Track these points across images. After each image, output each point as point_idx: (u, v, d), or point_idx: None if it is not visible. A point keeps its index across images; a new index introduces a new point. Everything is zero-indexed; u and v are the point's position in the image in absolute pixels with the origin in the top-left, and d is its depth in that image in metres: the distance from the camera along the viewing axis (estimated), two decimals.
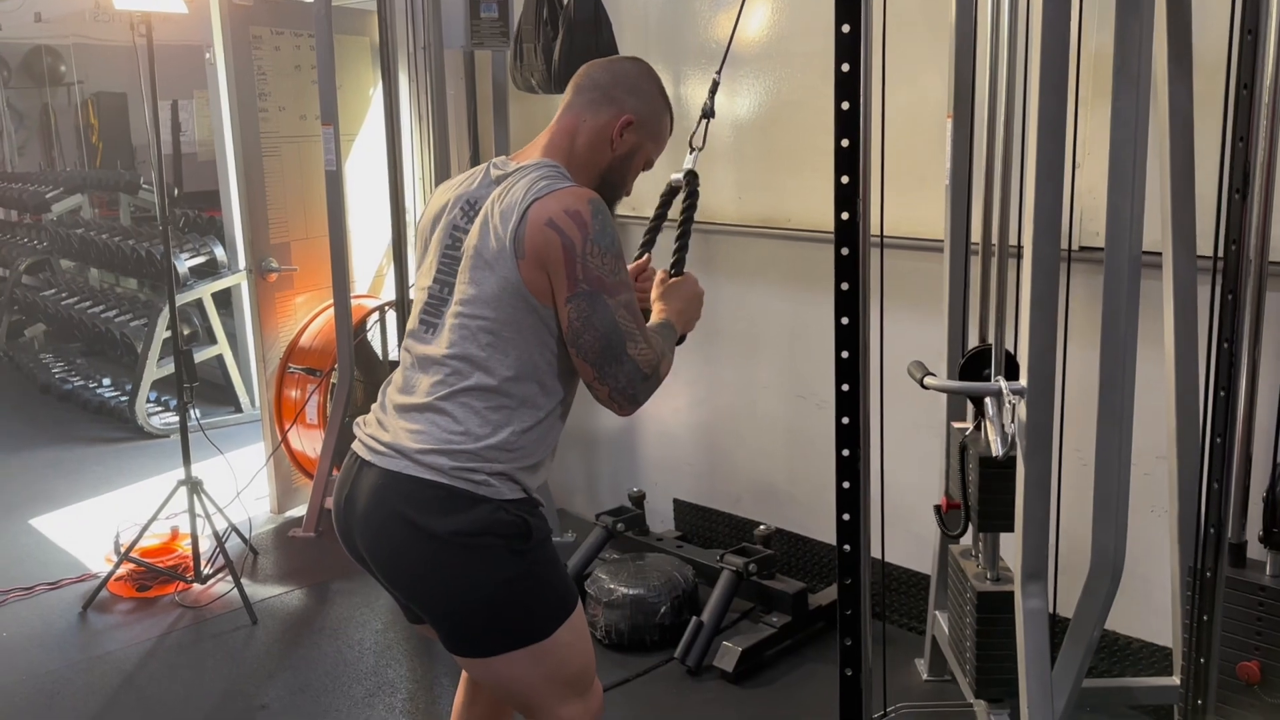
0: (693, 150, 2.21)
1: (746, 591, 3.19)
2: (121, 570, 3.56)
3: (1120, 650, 2.75)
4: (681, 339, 1.99)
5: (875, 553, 3.22)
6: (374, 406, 1.83)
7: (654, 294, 1.99)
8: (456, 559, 1.68)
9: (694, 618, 3.04)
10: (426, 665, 3.08)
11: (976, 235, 2.55)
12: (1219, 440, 1.67)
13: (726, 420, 3.65)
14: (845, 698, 2.47)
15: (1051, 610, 2.36)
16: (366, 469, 1.73)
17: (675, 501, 3.86)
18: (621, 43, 3.26)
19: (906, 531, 3.09)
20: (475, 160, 3.96)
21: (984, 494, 2.28)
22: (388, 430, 1.74)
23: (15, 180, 8.10)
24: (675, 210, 2.23)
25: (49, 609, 3.48)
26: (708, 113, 2.25)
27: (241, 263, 5.16)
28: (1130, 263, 2.03)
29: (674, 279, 2.02)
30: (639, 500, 3.59)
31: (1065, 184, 2.10)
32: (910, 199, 2.86)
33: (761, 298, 3.45)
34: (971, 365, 2.35)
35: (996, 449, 2.07)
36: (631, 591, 3.11)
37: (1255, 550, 2.03)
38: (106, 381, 6.09)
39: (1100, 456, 2.13)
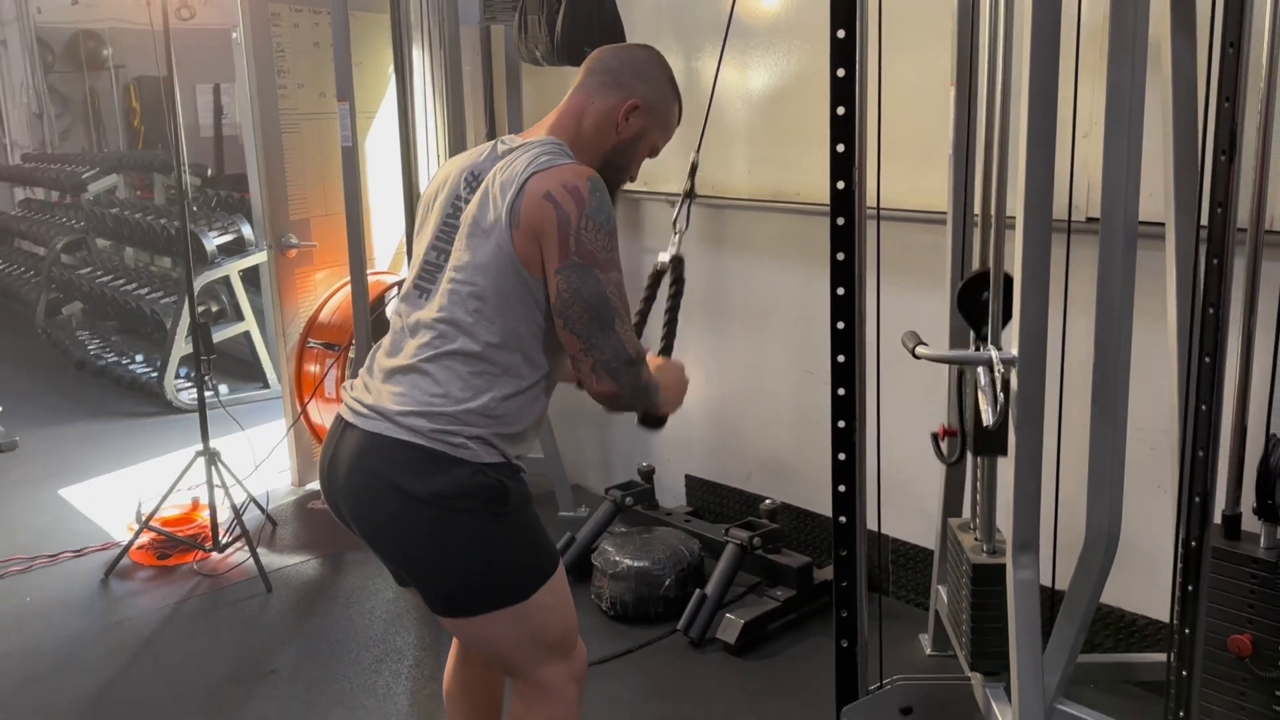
0: (676, 232, 2.20)
1: (752, 566, 3.20)
2: (143, 539, 3.64)
3: (1126, 627, 2.73)
4: (662, 422, 1.98)
5: (885, 528, 3.23)
6: (361, 371, 1.86)
7: None
8: (435, 520, 1.70)
9: (697, 590, 3.05)
10: (434, 633, 3.11)
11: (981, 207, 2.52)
12: (1204, 408, 1.64)
13: (737, 396, 3.65)
14: (841, 669, 2.48)
15: (1052, 585, 2.35)
16: (349, 431, 1.76)
17: (687, 477, 3.86)
18: (630, 15, 3.26)
19: (914, 507, 3.08)
20: (491, 136, 3.98)
21: (979, 417, 2.23)
22: (372, 393, 1.77)
23: (54, 161, 8.25)
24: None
25: (73, 575, 3.57)
26: (689, 194, 2.25)
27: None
28: (1125, 232, 2.00)
29: (661, 361, 2.03)
30: (648, 475, 3.60)
31: (1071, 154, 2.09)
32: (915, 170, 2.83)
33: (771, 272, 3.44)
34: (970, 289, 2.30)
35: (987, 418, 2.05)
36: (636, 564, 3.13)
37: (1252, 523, 2.01)
38: (139, 358, 6.20)
39: (1095, 429, 2.11)
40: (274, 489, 4.21)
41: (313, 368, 4.24)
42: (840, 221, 2.28)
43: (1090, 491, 2.14)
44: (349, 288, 4.12)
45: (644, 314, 2.18)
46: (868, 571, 3.27)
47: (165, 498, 3.61)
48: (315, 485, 4.28)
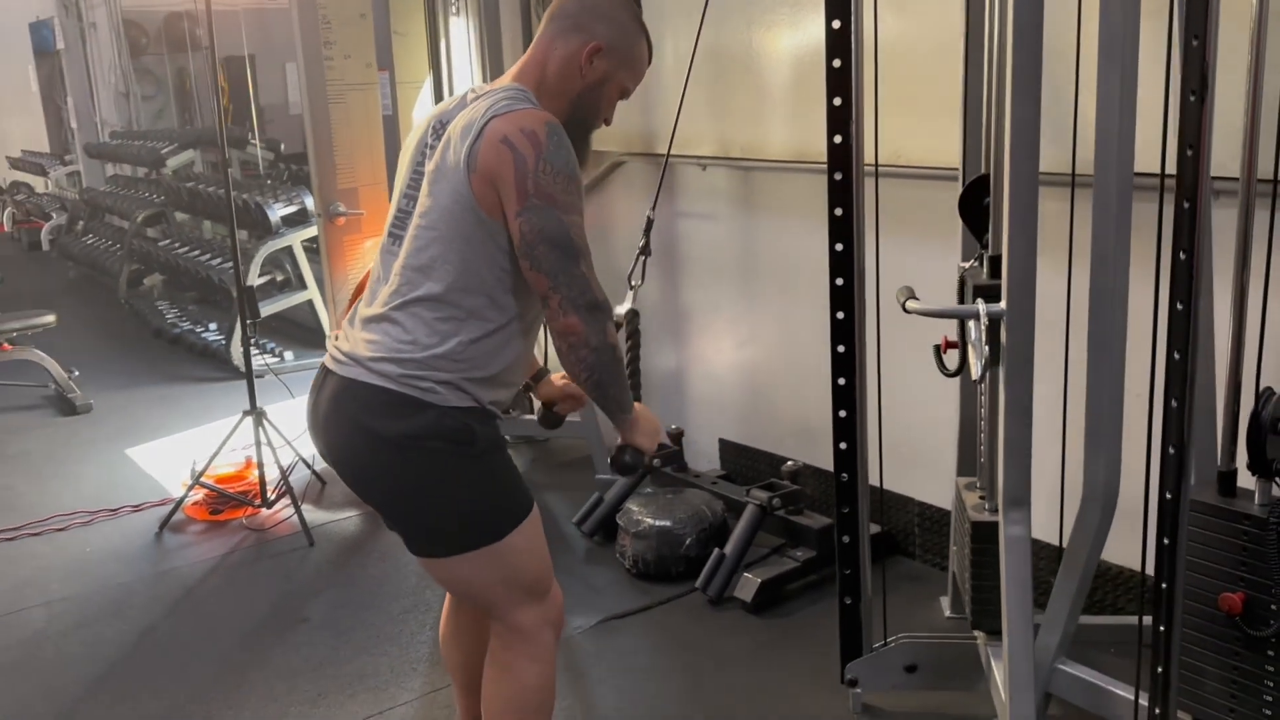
0: (632, 288, 2.18)
1: (774, 527, 3.21)
2: (197, 495, 3.81)
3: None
4: (636, 463, 1.92)
5: (913, 492, 3.21)
6: (344, 320, 1.92)
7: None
8: (404, 461, 1.77)
9: (716, 549, 3.07)
10: None
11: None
12: (1177, 356, 1.60)
13: (768, 359, 3.65)
14: (844, 626, 2.49)
15: (1060, 542, 2.32)
16: (330, 377, 1.84)
17: (720, 441, 3.88)
18: None
19: (938, 469, 3.05)
20: None
21: None
22: (349, 341, 1.83)
23: (137, 138, 8.58)
24: None
25: (130, 528, 3.75)
26: (644, 250, 2.22)
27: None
28: (1119, 181, 1.95)
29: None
30: (677, 438, 3.62)
31: (1075, 106, 2.04)
32: (922, 124, 2.79)
33: (802, 234, 3.41)
34: (972, 193, 2.26)
35: (975, 372, 2.03)
36: (658, 523, 3.17)
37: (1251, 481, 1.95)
38: (213, 326, 6.43)
39: (1091, 383, 2.07)
40: None
41: None
42: (838, 176, 2.27)
43: (1087, 447, 2.11)
44: None
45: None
46: (894, 535, 3.28)
47: (214, 456, 3.76)
48: None
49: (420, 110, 4.47)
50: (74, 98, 10.21)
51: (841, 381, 2.36)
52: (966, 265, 2.34)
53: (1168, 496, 1.66)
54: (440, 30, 3.76)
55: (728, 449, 3.87)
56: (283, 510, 3.80)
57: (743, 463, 3.80)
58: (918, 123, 2.79)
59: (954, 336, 2.31)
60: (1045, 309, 2.30)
